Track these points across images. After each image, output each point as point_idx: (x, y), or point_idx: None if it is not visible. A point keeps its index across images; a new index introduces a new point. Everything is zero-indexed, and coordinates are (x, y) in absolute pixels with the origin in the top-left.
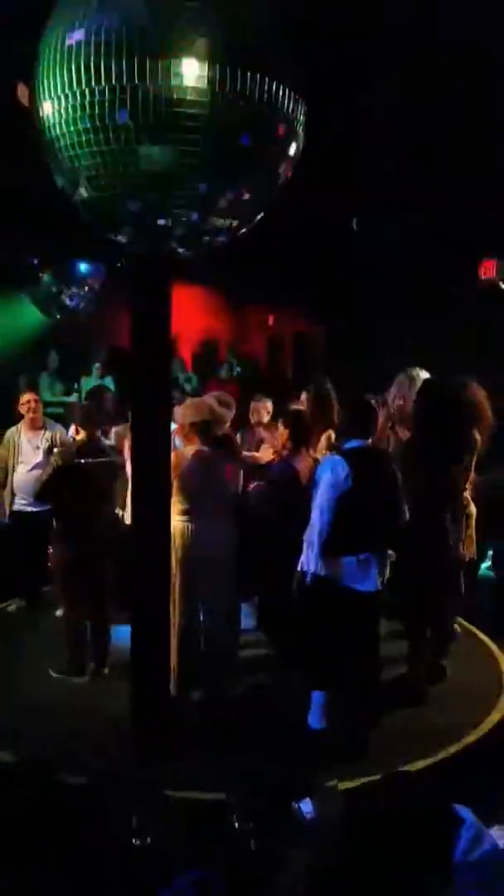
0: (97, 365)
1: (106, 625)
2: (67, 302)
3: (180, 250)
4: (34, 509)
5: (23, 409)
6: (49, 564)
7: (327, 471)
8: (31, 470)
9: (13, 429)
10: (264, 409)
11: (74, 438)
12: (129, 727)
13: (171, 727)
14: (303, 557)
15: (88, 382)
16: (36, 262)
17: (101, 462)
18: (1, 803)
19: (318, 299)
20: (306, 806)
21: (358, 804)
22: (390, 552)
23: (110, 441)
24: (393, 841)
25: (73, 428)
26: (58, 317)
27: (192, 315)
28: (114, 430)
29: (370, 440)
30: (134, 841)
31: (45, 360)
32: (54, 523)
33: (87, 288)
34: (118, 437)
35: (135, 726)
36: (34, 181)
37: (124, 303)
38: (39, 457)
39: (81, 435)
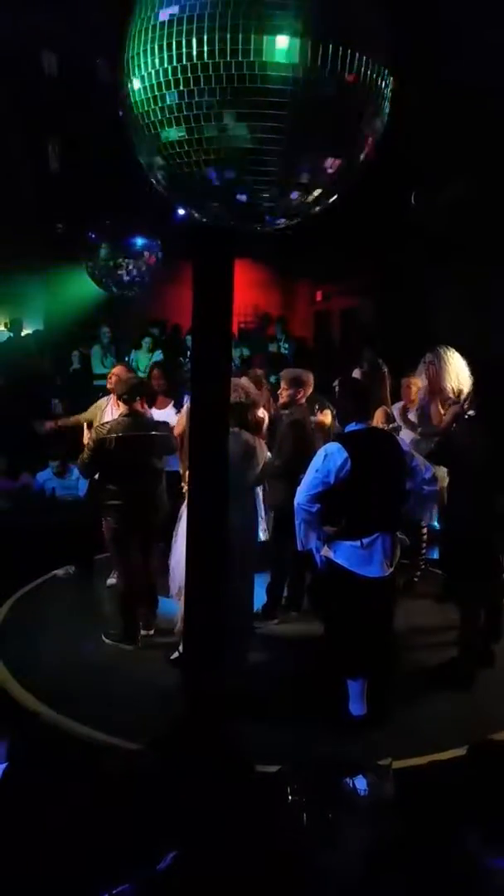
0: (147, 339)
1: (154, 592)
2: (124, 276)
3: (258, 226)
4: None
5: (109, 384)
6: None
7: (321, 456)
8: None
9: (105, 399)
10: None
11: (114, 412)
12: (181, 695)
13: (224, 699)
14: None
15: (139, 356)
16: (94, 236)
17: (140, 435)
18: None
19: (368, 275)
20: (360, 783)
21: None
22: (401, 537)
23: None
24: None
25: (111, 399)
26: (114, 291)
27: (239, 289)
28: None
29: (370, 422)
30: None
31: (98, 334)
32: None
33: (143, 262)
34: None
35: (187, 695)
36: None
37: (176, 278)
38: None
39: (122, 409)
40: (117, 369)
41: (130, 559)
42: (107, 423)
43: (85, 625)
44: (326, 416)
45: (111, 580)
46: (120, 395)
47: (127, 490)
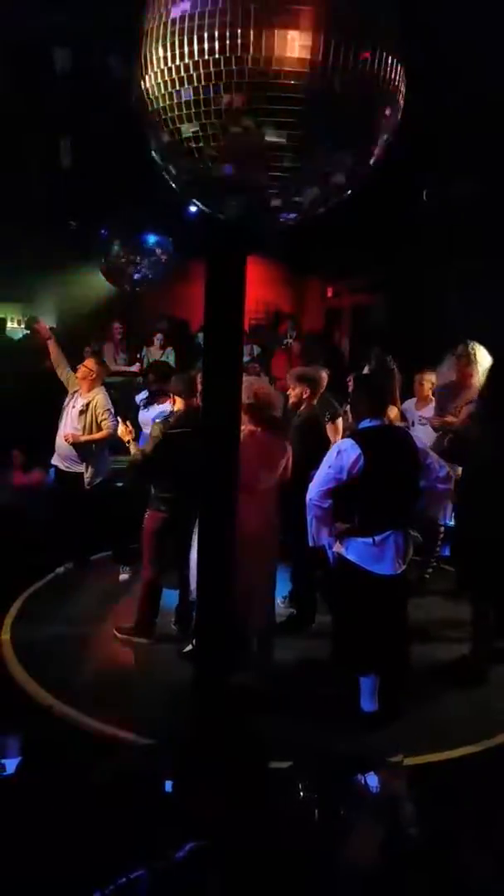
0: (159, 336)
1: (187, 590)
2: (135, 274)
3: (271, 222)
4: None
5: (79, 374)
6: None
7: (334, 452)
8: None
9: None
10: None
11: (173, 409)
12: (191, 693)
13: (231, 697)
14: (309, 533)
15: (149, 354)
16: (106, 233)
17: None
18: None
19: (380, 271)
20: (371, 779)
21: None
22: (414, 534)
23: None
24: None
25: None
26: (126, 288)
27: (250, 286)
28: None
29: (384, 419)
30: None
31: (110, 331)
32: (152, 489)
33: (155, 259)
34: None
35: (196, 694)
36: (106, 155)
37: (187, 275)
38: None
39: (179, 404)
40: (87, 362)
41: (164, 554)
42: (169, 418)
43: (97, 620)
44: (337, 428)
45: (123, 576)
46: (178, 392)
47: (182, 483)
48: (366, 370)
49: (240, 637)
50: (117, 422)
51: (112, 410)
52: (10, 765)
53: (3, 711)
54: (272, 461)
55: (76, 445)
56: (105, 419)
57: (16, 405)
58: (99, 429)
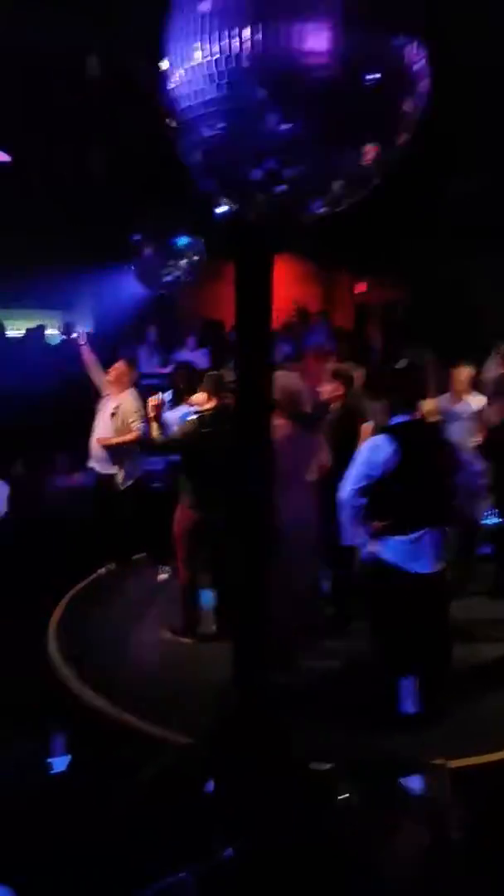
0: (192, 338)
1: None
2: (168, 277)
3: (297, 218)
4: None
5: (109, 377)
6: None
7: (367, 449)
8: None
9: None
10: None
11: (200, 408)
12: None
13: (272, 696)
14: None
15: (183, 355)
16: (139, 237)
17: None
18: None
19: (408, 265)
20: (413, 782)
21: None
22: (452, 532)
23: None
24: None
25: (202, 395)
26: (159, 291)
27: (279, 283)
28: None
29: (417, 413)
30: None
31: (144, 333)
32: (181, 488)
33: (187, 262)
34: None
35: (237, 693)
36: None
37: (219, 276)
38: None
39: (210, 403)
40: (118, 364)
41: (198, 554)
42: (201, 415)
43: (140, 620)
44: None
45: (162, 575)
46: (207, 390)
47: (212, 482)
48: (404, 363)
49: (283, 638)
50: (147, 425)
51: (141, 413)
52: (58, 765)
53: (50, 712)
54: (303, 456)
55: (108, 448)
56: (134, 421)
57: (58, 409)
58: (129, 431)
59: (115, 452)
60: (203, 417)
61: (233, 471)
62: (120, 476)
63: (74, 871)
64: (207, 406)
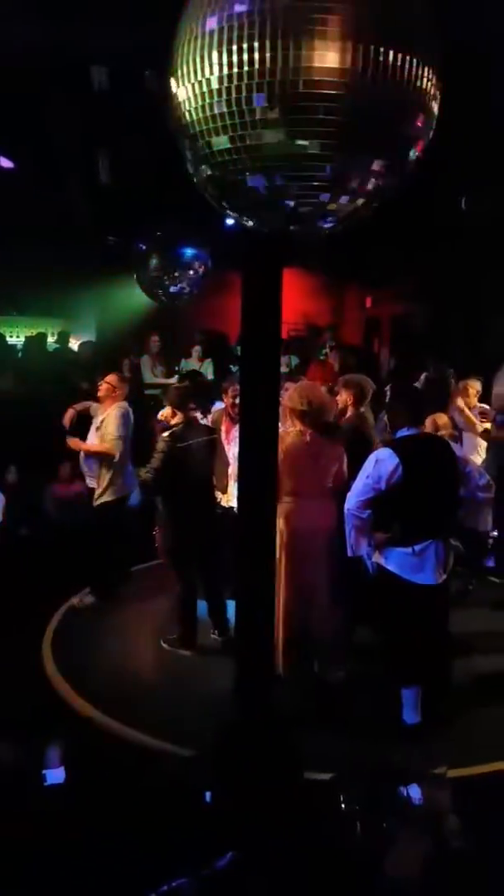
0: (197, 348)
1: (219, 598)
2: (172, 287)
3: (305, 232)
4: None
5: (100, 392)
6: (156, 545)
7: (372, 462)
8: None
9: (221, 409)
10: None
11: (169, 422)
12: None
13: (273, 706)
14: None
15: (188, 365)
16: (144, 247)
17: (202, 441)
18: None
19: (418, 280)
20: (415, 791)
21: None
22: (456, 544)
23: (205, 420)
24: None
25: (167, 410)
26: (164, 301)
27: (288, 297)
28: (213, 408)
29: (422, 428)
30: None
31: (148, 343)
32: (160, 506)
33: (192, 272)
34: (216, 414)
35: (238, 704)
36: (144, 168)
37: (225, 287)
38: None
39: (178, 417)
40: (109, 377)
41: (189, 567)
42: (172, 431)
43: (136, 631)
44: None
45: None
46: (172, 404)
47: (192, 497)
48: (421, 378)
49: (300, 649)
50: (125, 443)
51: (122, 433)
52: (55, 776)
53: (47, 723)
54: (323, 466)
55: (87, 461)
56: (110, 433)
57: (60, 418)
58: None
59: (97, 467)
60: (175, 433)
61: (239, 482)
62: (97, 492)
63: (74, 880)
64: (175, 421)
